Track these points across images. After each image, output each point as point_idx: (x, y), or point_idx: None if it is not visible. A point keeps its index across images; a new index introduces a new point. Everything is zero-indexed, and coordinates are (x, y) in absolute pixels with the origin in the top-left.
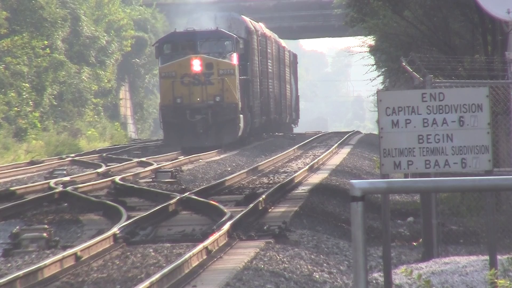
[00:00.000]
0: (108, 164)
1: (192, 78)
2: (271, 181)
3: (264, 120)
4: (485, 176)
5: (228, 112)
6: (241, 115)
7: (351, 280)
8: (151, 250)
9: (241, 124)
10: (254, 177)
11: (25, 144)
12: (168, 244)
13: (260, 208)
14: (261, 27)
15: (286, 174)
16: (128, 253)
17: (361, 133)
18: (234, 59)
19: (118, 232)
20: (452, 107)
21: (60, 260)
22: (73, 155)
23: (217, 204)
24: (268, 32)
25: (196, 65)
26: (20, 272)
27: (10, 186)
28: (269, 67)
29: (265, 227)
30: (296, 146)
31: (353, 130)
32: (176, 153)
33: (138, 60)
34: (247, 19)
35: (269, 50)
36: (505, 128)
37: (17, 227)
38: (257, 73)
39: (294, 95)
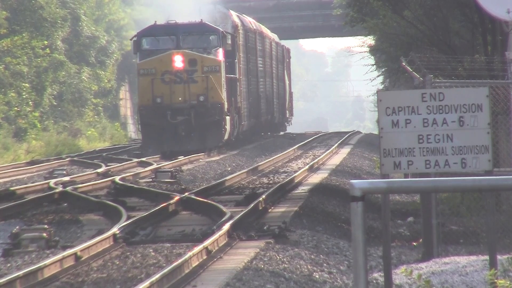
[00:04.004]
0: (108, 164)
1: (174, 76)
2: (271, 181)
3: (254, 123)
4: (485, 176)
5: (213, 113)
6: (228, 117)
7: (351, 280)
8: (151, 250)
9: (227, 127)
10: (254, 177)
11: (25, 144)
12: (168, 244)
13: (260, 208)
14: (249, 21)
15: (286, 174)
16: (128, 253)
17: (361, 133)
18: (220, 55)
19: (118, 232)
20: (452, 107)
21: (60, 260)
22: (73, 155)
23: (217, 204)
24: (257, 26)
25: (178, 61)
26: (20, 272)
27: (10, 186)
28: (260, 64)
29: (265, 227)
30: (296, 146)
31: (353, 130)
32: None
33: None
34: (233, 13)
35: (259, 47)
36: (505, 128)
37: (17, 227)
38: (246, 72)
39: (288, 92)
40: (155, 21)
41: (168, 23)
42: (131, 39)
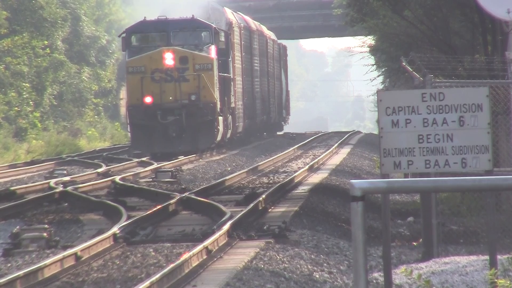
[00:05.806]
0: (108, 164)
1: (164, 74)
2: (271, 181)
3: (248, 124)
4: (485, 176)
5: (205, 113)
6: (220, 117)
7: (351, 280)
8: (151, 250)
9: (220, 127)
10: (254, 177)
11: (25, 144)
12: (168, 244)
13: (260, 208)
14: (245, 19)
15: (286, 174)
16: (128, 253)
17: (361, 133)
18: (212, 52)
19: (118, 232)
20: (452, 107)
21: (60, 260)
22: (73, 155)
23: (217, 204)
24: (253, 24)
25: (169, 58)
26: (20, 272)
27: (10, 186)
28: (255, 63)
29: (265, 227)
30: (296, 146)
31: (353, 130)
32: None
33: None
34: (228, 10)
35: (255, 45)
36: (505, 128)
37: (17, 227)
38: (240, 71)
39: (285, 91)
40: (145, 17)
41: (158, 19)
42: (119, 36)
